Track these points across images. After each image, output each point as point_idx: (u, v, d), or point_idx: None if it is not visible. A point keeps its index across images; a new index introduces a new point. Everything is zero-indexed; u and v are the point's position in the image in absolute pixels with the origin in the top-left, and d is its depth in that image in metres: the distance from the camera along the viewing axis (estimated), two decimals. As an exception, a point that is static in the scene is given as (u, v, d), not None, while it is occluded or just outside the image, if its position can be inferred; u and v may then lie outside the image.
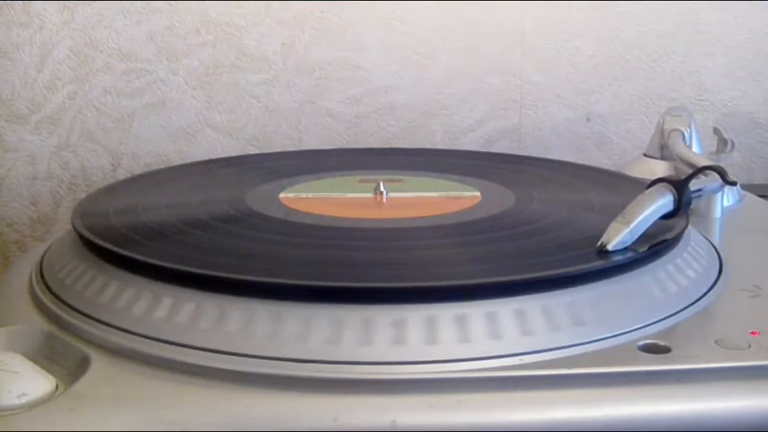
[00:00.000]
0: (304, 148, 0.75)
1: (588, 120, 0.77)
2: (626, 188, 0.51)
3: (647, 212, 0.41)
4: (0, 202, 0.74)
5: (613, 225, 0.41)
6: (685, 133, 0.61)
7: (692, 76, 0.77)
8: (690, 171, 0.46)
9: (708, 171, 0.47)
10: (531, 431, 0.32)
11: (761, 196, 0.61)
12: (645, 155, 0.65)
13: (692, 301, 0.40)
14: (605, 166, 0.68)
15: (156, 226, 0.45)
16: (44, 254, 0.46)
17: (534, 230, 0.45)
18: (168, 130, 0.74)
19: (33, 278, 0.43)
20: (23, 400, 0.32)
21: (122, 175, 0.74)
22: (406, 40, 0.75)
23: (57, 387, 0.34)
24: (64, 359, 0.36)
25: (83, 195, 0.71)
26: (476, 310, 0.35)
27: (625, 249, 0.40)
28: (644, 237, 0.41)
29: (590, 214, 0.48)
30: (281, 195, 0.52)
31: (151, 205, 0.50)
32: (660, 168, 0.62)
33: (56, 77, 0.72)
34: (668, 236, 0.42)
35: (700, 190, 0.45)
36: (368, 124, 0.76)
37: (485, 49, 0.75)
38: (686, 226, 0.45)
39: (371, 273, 0.39)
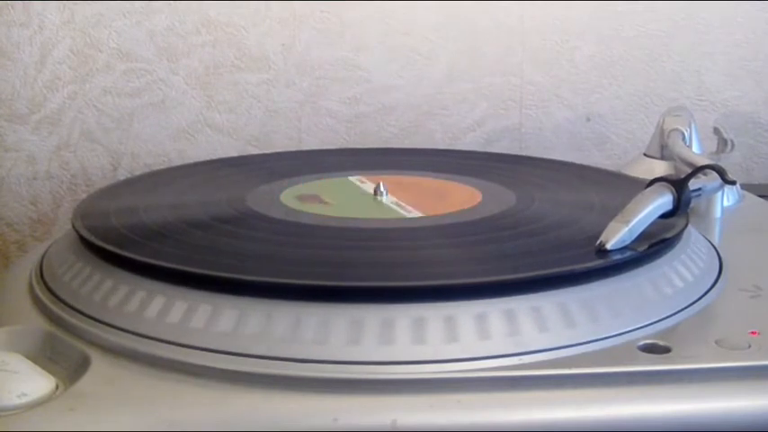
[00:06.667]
0: (304, 148, 0.75)
1: (588, 120, 0.77)
2: (626, 188, 0.51)
3: (646, 211, 0.41)
4: (0, 202, 0.74)
5: (612, 224, 0.41)
6: (685, 133, 0.61)
7: (692, 76, 0.77)
8: (690, 171, 0.46)
9: (707, 170, 0.47)
10: (530, 431, 0.32)
11: (761, 196, 0.61)
12: (645, 155, 0.65)
13: (692, 301, 0.40)
14: (605, 166, 0.68)
15: (157, 226, 0.45)
16: (44, 254, 0.46)
17: (534, 230, 0.45)
18: (168, 130, 0.74)
19: (33, 278, 0.43)
20: (23, 400, 0.32)
21: (122, 175, 0.74)
22: (406, 40, 0.75)
23: (57, 387, 0.34)
24: (64, 359, 0.36)
25: (83, 195, 0.71)
26: (475, 310, 0.35)
27: (624, 248, 0.40)
28: (644, 236, 0.41)
29: (590, 214, 0.48)
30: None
31: (151, 205, 0.50)
32: (660, 168, 0.62)
33: (56, 77, 0.72)
34: (668, 235, 0.42)
35: (699, 189, 0.45)
36: (368, 124, 0.76)
37: (485, 49, 0.75)
38: (686, 225, 0.44)
39: (372, 273, 0.39)
